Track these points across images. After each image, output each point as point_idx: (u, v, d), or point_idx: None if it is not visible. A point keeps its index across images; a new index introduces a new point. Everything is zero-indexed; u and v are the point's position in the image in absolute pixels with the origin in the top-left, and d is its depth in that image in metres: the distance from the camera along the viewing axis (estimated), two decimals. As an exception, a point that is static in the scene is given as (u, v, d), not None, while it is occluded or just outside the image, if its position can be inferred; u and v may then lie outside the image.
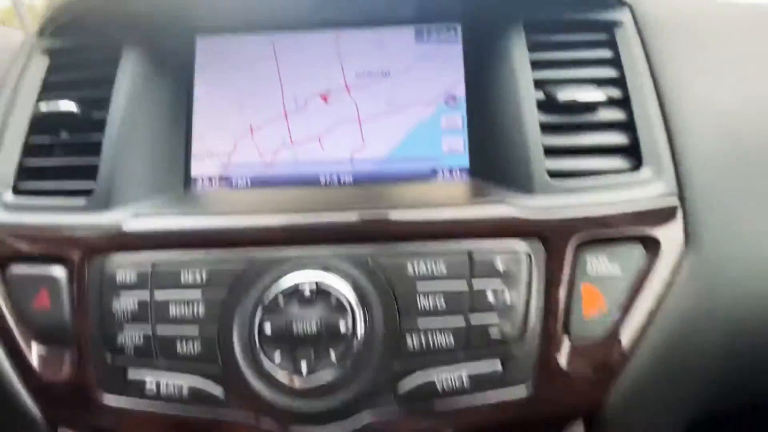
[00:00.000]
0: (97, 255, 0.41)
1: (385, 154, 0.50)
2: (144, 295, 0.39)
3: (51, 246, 0.42)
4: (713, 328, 0.41)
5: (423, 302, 0.38)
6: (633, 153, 0.44)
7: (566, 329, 0.39)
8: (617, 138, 0.45)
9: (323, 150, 0.51)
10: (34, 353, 0.42)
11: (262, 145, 0.52)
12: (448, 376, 0.38)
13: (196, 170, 0.51)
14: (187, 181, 0.50)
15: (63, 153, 0.47)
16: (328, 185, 0.49)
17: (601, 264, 0.40)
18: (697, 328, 0.41)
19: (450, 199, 0.43)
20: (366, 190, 0.47)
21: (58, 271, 0.42)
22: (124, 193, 0.44)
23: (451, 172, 0.50)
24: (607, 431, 0.40)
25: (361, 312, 0.38)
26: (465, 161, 0.50)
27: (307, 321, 0.37)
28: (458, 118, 0.51)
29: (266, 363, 0.38)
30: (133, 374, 0.40)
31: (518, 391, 0.38)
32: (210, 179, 0.52)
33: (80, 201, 0.44)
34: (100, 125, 0.46)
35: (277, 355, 0.37)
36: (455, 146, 0.50)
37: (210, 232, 0.42)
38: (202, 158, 0.52)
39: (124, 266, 0.40)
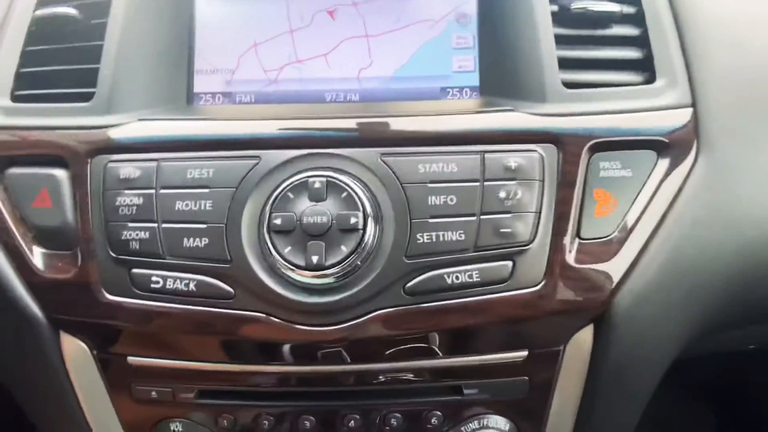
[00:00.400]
0: (99, 155, 0.40)
1: (393, 72, 0.49)
2: (149, 192, 0.38)
3: (52, 147, 0.41)
4: (725, 242, 0.41)
5: (434, 200, 0.37)
6: (647, 67, 0.44)
7: (578, 230, 0.39)
8: (631, 53, 0.44)
9: (329, 67, 0.49)
10: (35, 254, 0.41)
11: (267, 61, 0.50)
12: (458, 274, 0.38)
13: (198, 86, 0.50)
14: (190, 97, 0.49)
15: (62, 59, 0.46)
16: (333, 103, 0.48)
17: (613, 168, 0.39)
18: (708, 239, 0.41)
19: (461, 112, 0.43)
20: (373, 106, 0.46)
21: (60, 172, 0.41)
22: (125, 100, 0.43)
23: (460, 90, 0.49)
24: (615, 338, 0.40)
25: (372, 208, 0.37)
26: (475, 80, 0.49)
27: (318, 214, 0.37)
28: (469, 36, 0.49)
29: (276, 257, 0.37)
30: (138, 272, 0.39)
31: (528, 290, 0.38)
32: (213, 95, 0.50)
33: (81, 105, 0.43)
34: (100, 31, 0.45)
35: (287, 249, 0.37)
36: (465, 64, 0.49)
37: (216, 137, 0.41)
38: (204, 74, 0.50)
39: (128, 165, 0.39)
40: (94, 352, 0.42)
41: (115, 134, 0.41)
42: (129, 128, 0.41)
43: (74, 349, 0.42)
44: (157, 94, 0.45)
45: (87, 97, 0.43)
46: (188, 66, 0.48)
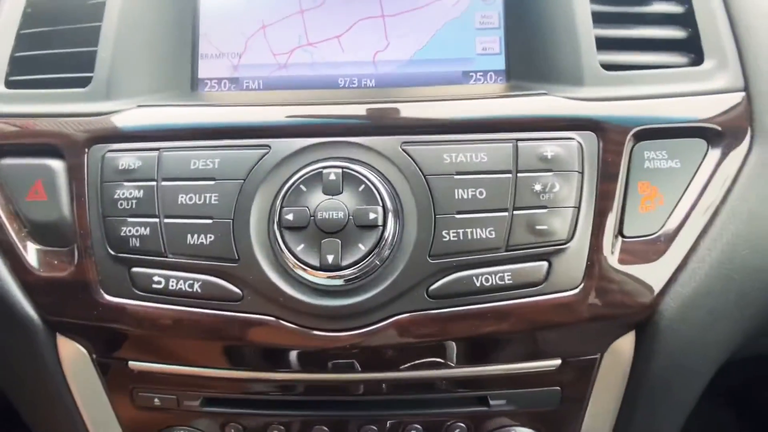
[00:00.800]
0: (97, 144, 0.38)
1: (411, 55, 0.46)
2: (150, 184, 0.36)
3: (46, 136, 0.38)
4: None
5: (461, 194, 0.34)
6: (693, 47, 0.40)
7: (620, 227, 0.36)
8: (675, 31, 0.41)
9: (343, 51, 0.46)
10: (29, 251, 0.38)
11: (276, 45, 0.47)
12: (488, 276, 0.34)
13: (203, 71, 0.47)
14: (194, 82, 0.46)
15: (59, 42, 0.43)
16: (347, 89, 0.45)
17: (659, 158, 0.36)
18: (764, 237, 0.37)
19: (487, 96, 0.39)
20: (390, 92, 0.43)
21: (55, 163, 0.38)
22: (125, 85, 0.41)
23: (485, 74, 0.45)
24: (659, 346, 0.37)
25: (393, 202, 0.34)
26: (501, 63, 0.45)
27: (333, 209, 0.34)
28: (494, 14, 0.46)
29: (287, 256, 0.34)
30: (138, 271, 0.36)
31: (566, 293, 0.35)
32: (219, 81, 0.47)
33: (78, 91, 0.40)
34: (98, 12, 0.42)
35: (300, 247, 0.34)
36: (490, 46, 0.46)
37: (222, 124, 0.38)
38: (209, 59, 0.47)
39: (128, 154, 0.37)
40: (93, 356, 0.40)
41: (113, 122, 0.38)
42: (129, 115, 0.39)
43: (72, 353, 0.40)
44: (159, 80, 0.43)
45: (84, 83, 0.41)
46: (192, 50, 0.45)
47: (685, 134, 0.37)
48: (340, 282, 0.34)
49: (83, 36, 0.42)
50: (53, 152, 0.39)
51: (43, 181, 0.38)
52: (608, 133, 0.36)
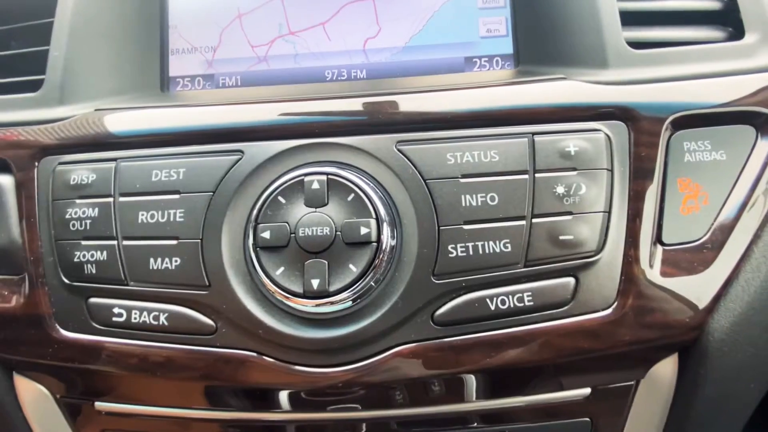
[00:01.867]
0: (48, 156, 0.33)
1: (406, 41, 0.41)
2: (106, 200, 0.31)
3: None
4: None
5: (469, 201, 0.29)
6: (731, 20, 0.35)
7: (658, 234, 0.30)
8: (710, 2, 0.35)
9: (329, 39, 0.42)
10: None
11: (254, 35, 0.42)
12: (504, 297, 0.29)
13: (174, 69, 0.42)
14: (165, 82, 0.41)
15: (5, 43, 0.39)
16: (335, 82, 0.40)
17: (701, 150, 0.31)
18: None
19: (495, 84, 0.34)
20: (383, 83, 0.38)
21: (3, 178, 0.34)
22: (82, 88, 0.36)
23: (490, 59, 0.41)
24: (707, 371, 0.32)
25: (388, 213, 0.29)
26: (508, 46, 0.40)
27: (317, 224, 0.29)
28: (499, -8, 0.41)
29: (264, 279, 0.29)
30: (96, 302, 0.32)
31: (597, 314, 0.30)
32: (192, 79, 0.42)
33: (28, 96, 0.36)
34: (50, 8, 0.37)
35: (280, 271, 0.29)
36: (495, 27, 0.41)
37: (188, 128, 0.33)
38: (181, 54, 0.43)
39: (81, 166, 0.32)
40: (57, 396, 0.36)
41: (66, 129, 0.34)
42: (83, 121, 0.34)
43: (32, 393, 0.35)
44: (124, 80, 0.38)
45: (36, 86, 0.36)
46: (161, 45, 0.41)
47: (731, 120, 0.32)
48: (328, 309, 0.29)
49: (34, 34, 0.38)
50: (1, 167, 0.34)
51: None
52: (641, 122, 0.30)
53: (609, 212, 0.30)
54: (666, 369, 0.32)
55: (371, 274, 0.29)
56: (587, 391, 0.33)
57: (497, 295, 0.29)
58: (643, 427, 0.35)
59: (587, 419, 0.34)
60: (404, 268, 0.30)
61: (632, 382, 0.33)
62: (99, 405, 0.35)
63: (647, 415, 0.34)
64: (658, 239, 0.31)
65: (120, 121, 0.34)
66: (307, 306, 0.29)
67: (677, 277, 0.31)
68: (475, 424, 0.35)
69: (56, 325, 0.32)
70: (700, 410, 0.33)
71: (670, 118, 0.31)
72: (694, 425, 0.34)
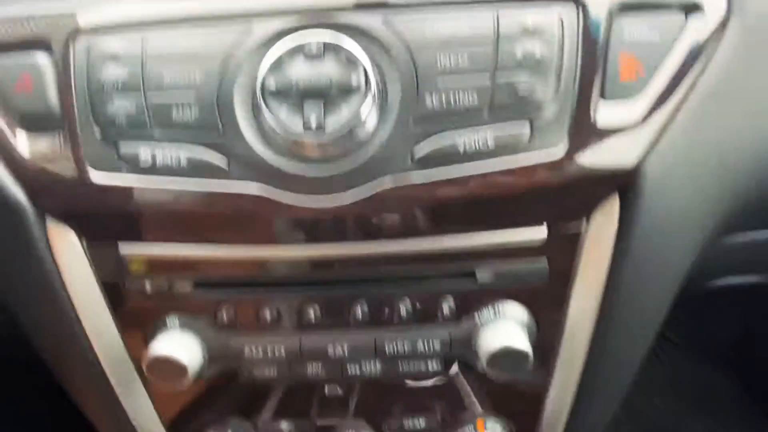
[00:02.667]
0: (82, 34, 0.37)
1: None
2: (135, 62, 0.36)
3: (29, 29, 0.38)
4: (755, 125, 0.39)
5: (443, 60, 0.35)
6: None
7: (602, 92, 0.36)
8: None
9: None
10: (18, 139, 0.38)
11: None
12: (471, 138, 0.35)
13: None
14: None
15: None
16: None
17: (639, 31, 0.36)
18: (736, 116, 0.38)
19: None
20: None
21: (40, 56, 0.38)
22: None
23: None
24: (642, 210, 0.38)
25: (375, 67, 0.35)
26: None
27: (316, 75, 0.34)
28: None
29: (271, 121, 0.34)
30: (126, 148, 0.37)
31: (549, 154, 0.36)
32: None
33: None
34: None
35: (283, 111, 0.34)
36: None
37: (202, 13, 0.37)
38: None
39: (112, 37, 0.37)
40: (84, 241, 0.40)
41: (98, 12, 0.38)
42: (112, 5, 0.38)
43: (62, 240, 0.40)
44: None
45: None
46: None
47: (665, 7, 0.37)
48: (321, 144, 0.35)
49: None
50: (40, 45, 0.38)
51: (31, 74, 0.38)
52: (587, 6, 0.36)
53: (559, 73, 0.35)
54: (610, 209, 0.38)
55: (360, 116, 0.34)
56: (544, 232, 0.39)
57: (466, 135, 0.35)
58: (592, 271, 0.40)
59: (544, 259, 0.40)
60: (388, 112, 0.35)
61: (582, 222, 0.39)
62: (122, 247, 0.40)
63: (595, 256, 0.40)
64: (601, 96, 0.36)
65: (145, 6, 0.39)
66: (305, 141, 0.34)
67: (617, 126, 0.36)
68: (448, 262, 0.40)
69: (89, 168, 0.37)
70: (638, 249, 0.39)
71: (613, 2, 0.36)
72: (632, 268, 0.40)
